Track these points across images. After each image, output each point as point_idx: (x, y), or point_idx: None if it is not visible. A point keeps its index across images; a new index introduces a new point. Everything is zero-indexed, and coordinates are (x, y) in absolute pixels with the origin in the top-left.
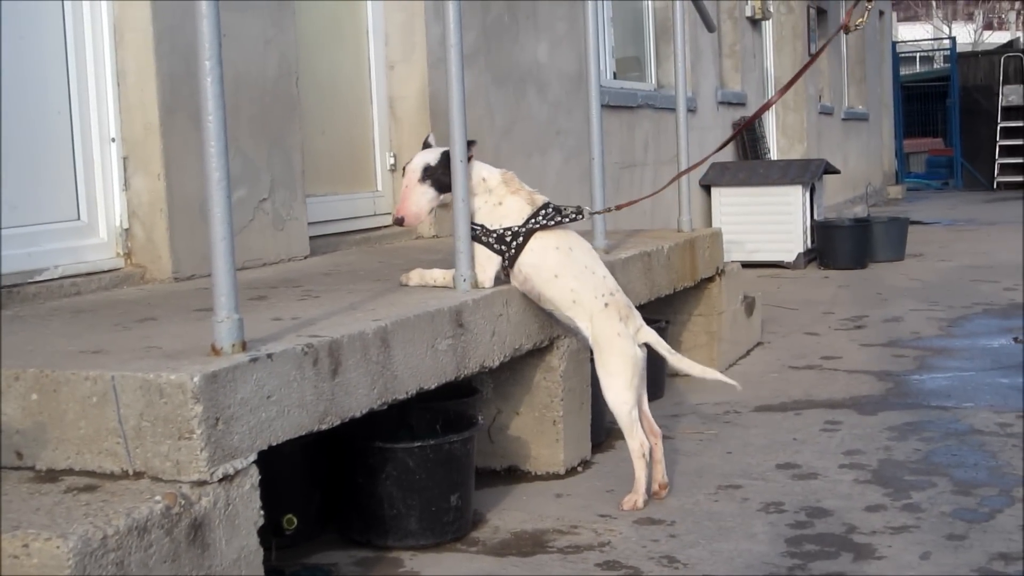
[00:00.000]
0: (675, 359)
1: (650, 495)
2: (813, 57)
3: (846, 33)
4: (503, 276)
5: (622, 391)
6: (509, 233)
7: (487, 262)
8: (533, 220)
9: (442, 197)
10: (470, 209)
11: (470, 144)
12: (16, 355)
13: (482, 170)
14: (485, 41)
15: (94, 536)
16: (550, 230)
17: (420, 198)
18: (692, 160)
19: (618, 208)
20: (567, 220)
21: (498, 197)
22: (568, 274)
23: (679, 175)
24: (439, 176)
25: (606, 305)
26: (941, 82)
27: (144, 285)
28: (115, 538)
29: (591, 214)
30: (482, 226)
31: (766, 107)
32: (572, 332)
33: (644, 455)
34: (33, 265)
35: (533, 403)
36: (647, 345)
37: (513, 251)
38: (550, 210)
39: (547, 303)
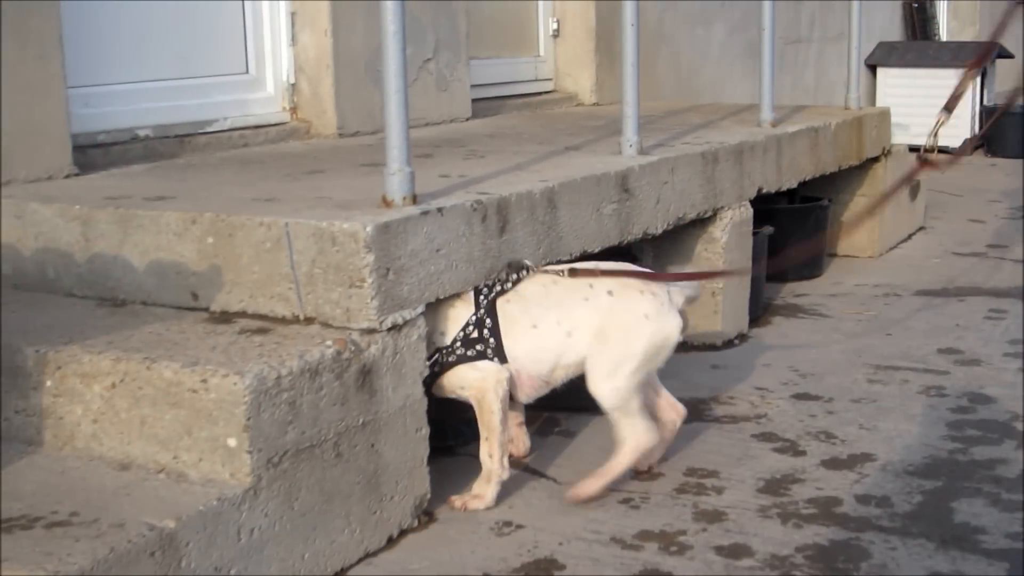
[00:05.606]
0: None
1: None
2: None
3: None
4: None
5: (621, 379)
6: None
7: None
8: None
9: None
10: None
11: None
12: (192, 200)
13: None
14: None
15: (269, 375)
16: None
17: None
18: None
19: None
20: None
21: None
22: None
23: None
24: None
25: (610, 293)
26: None
27: (309, 140)
28: (288, 378)
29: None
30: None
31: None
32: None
33: (637, 449)
34: (204, 116)
35: None
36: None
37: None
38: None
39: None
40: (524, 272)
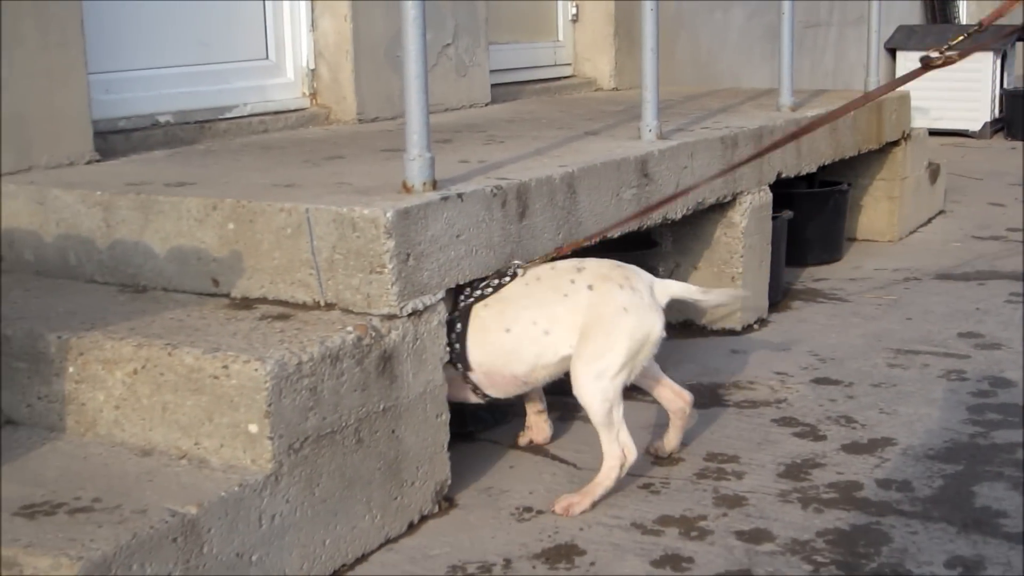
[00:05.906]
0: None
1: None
2: None
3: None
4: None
5: (606, 379)
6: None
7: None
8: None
9: None
10: None
11: None
12: (212, 186)
13: None
14: None
15: (290, 361)
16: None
17: None
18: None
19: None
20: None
21: None
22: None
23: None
24: None
25: (590, 287)
26: None
27: (329, 125)
28: (309, 364)
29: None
30: None
31: None
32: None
33: (622, 466)
34: (224, 102)
35: (712, 259)
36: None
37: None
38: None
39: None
40: (507, 279)
